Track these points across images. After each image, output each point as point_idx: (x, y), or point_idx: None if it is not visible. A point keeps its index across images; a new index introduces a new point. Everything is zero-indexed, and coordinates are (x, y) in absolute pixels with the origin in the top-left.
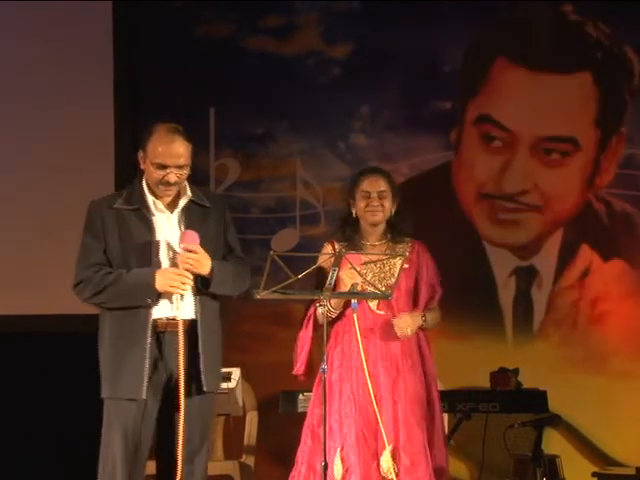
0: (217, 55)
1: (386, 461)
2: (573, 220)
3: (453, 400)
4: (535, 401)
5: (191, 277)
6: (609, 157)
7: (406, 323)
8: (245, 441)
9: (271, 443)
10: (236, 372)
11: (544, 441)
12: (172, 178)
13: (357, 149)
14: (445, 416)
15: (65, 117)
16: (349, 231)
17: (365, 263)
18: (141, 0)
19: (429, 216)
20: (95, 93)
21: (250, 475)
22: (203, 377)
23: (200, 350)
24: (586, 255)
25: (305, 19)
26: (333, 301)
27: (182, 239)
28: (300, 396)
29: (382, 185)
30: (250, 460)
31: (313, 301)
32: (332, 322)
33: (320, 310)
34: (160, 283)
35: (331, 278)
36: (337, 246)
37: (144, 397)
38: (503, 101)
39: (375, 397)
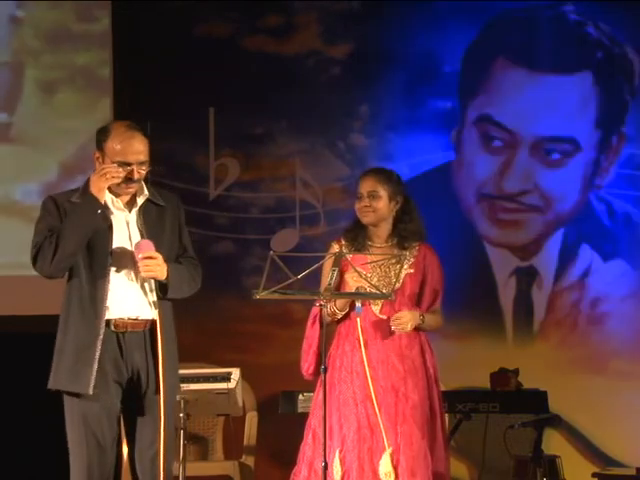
0: (217, 55)
1: (385, 465)
2: (573, 220)
3: (453, 400)
4: (535, 401)
5: (118, 170)
6: (609, 157)
7: (407, 318)
8: (245, 441)
9: (271, 443)
10: (236, 372)
11: (544, 441)
12: (136, 175)
13: (357, 149)
14: (445, 416)
15: (65, 117)
16: (356, 231)
17: (370, 263)
18: (141, 0)
19: (429, 216)
20: (95, 93)
21: (250, 475)
22: (164, 378)
23: (160, 351)
24: (586, 255)
25: (304, 19)
26: (338, 302)
27: (138, 249)
28: (300, 396)
29: (374, 186)
30: (250, 460)
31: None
32: (337, 322)
33: (327, 312)
34: (94, 187)
35: (331, 278)
36: (344, 246)
37: (91, 393)
38: (503, 101)
39: (376, 401)
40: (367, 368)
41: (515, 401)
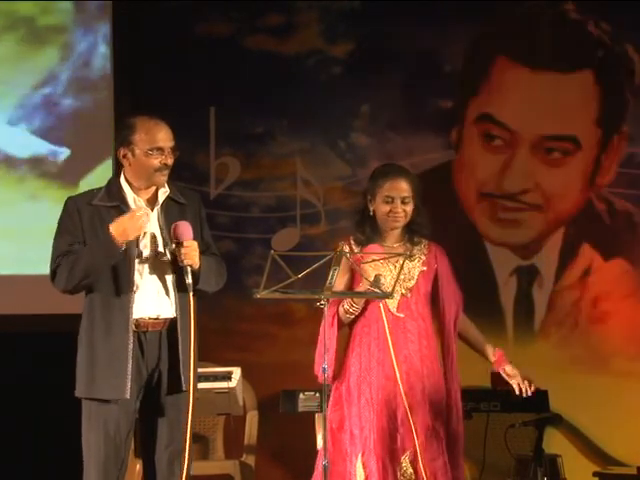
0: (217, 54)
1: (405, 467)
2: (574, 219)
3: None
4: (536, 401)
5: (147, 213)
6: (610, 156)
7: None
8: (245, 440)
9: (272, 443)
10: (237, 371)
11: (545, 441)
12: (170, 160)
13: (357, 148)
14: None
15: (65, 117)
16: (367, 234)
17: (384, 260)
18: (141, 0)
19: (430, 215)
20: (95, 92)
21: (250, 475)
22: (183, 376)
23: (180, 349)
24: (587, 254)
25: (305, 18)
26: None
27: (177, 230)
28: (301, 395)
29: (406, 190)
30: (250, 459)
31: (335, 300)
32: (351, 324)
33: (343, 309)
34: (117, 233)
35: (332, 277)
36: (354, 246)
37: (128, 397)
38: (504, 100)
39: (394, 401)
40: (394, 361)
41: (516, 400)
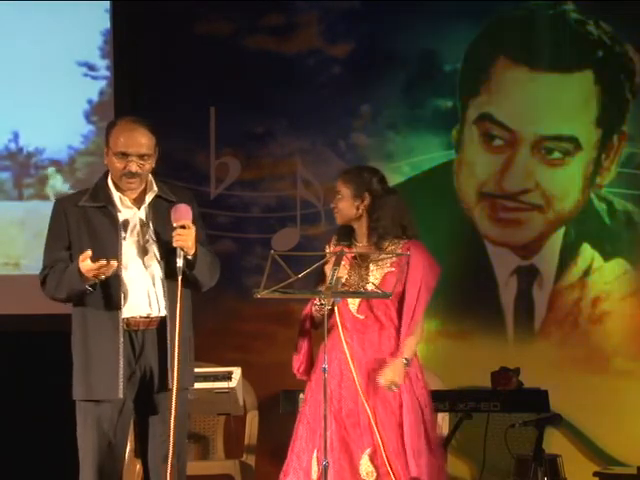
0: (217, 54)
1: (366, 464)
2: (574, 219)
3: (454, 399)
4: (536, 400)
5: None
6: (610, 156)
7: (389, 376)
8: (246, 440)
9: (272, 442)
10: (237, 371)
11: (545, 441)
12: (133, 167)
13: (358, 148)
14: (446, 416)
15: (65, 117)
16: (343, 232)
17: (352, 260)
18: (141, 0)
19: (430, 215)
20: (95, 93)
21: (251, 474)
22: (172, 374)
23: (169, 347)
24: (587, 254)
25: (305, 18)
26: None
27: (175, 213)
28: (301, 395)
29: (338, 186)
30: (251, 459)
31: (310, 300)
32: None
33: (314, 308)
34: (84, 269)
35: (332, 277)
36: (332, 245)
37: (121, 397)
38: (504, 100)
39: (352, 399)
40: (351, 362)
41: (516, 400)
